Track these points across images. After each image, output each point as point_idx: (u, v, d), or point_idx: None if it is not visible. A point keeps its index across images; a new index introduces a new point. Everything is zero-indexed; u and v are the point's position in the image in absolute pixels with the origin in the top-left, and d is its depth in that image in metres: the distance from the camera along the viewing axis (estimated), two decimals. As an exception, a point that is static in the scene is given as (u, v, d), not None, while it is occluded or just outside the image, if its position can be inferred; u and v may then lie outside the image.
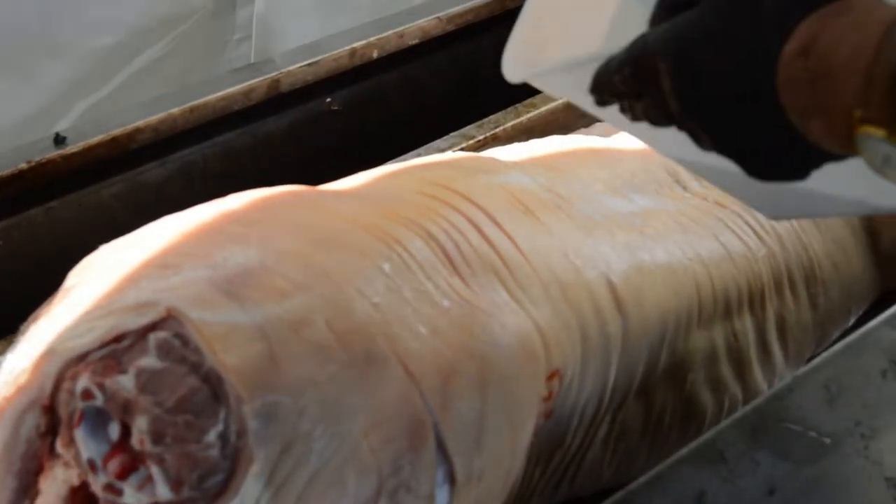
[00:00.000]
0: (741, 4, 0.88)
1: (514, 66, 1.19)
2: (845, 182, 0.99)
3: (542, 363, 1.25)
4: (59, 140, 1.75)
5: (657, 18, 0.95)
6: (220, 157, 1.98)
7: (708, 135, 0.93)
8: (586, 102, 1.10)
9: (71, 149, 1.74)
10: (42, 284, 1.52)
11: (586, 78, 1.06)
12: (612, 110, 1.08)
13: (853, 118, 0.81)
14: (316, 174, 1.76)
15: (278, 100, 2.00)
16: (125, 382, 1.04)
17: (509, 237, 1.32)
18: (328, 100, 2.09)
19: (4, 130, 2.14)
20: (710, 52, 0.89)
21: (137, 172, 1.88)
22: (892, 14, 0.80)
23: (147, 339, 1.06)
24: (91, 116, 2.16)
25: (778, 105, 0.86)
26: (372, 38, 2.08)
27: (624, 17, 1.11)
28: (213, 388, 1.04)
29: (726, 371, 1.55)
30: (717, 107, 0.90)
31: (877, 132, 0.80)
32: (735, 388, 1.57)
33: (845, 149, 0.84)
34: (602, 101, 1.04)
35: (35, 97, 2.20)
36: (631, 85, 0.97)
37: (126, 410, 1.04)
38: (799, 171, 0.92)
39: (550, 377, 1.27)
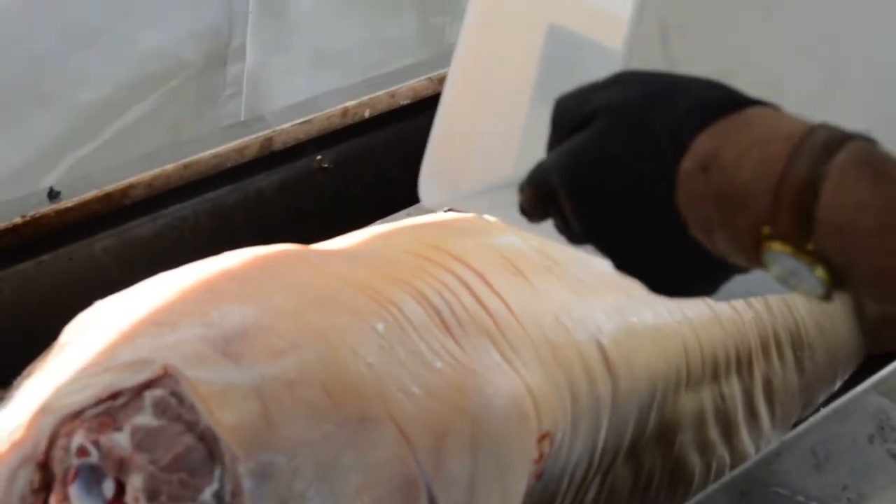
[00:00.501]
0: (633, 124, 0.86)
1: (431, 192, 1.19)
2: None
3: (533, 425, 1.25)
4: (52, 195, 1.75)
5: (553, 142, 0.93)
6: (210, 212, 1.98)
7: (610, 255, 0.91)
8: (511, 220, 1.06)
9: (65, 203, 1.75)
10: (33, 338, 1.52)
11: (505, 198, 1.04)
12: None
13: (761, 234, 0.80)
14: (307, 231, 1.78)
15: (270, 157, 2.01)
16: (121, 440, 1.05)
17: (501, 299, 1.33)
18: (319, 157, 2.10)
19: (-5, 184, 2.15)
20: (605, 174, 0.87)
21: (128, 227, 1.88)
22: (799, 129, 0.80)
23: (143, 397, 1.06)
24: (81, 170, 2.16)
25: (679, 223, 0.85)
26: (364, 98, 2.10)
27: (532, 138, 1.14)
28: (209, 446, 1.04)
29: (714, 434, 1.56)
30: (618, 228, 0.88)
31: (784, 248, 0.79)
32: (723, 451, 1.57)
33: (752, 263, 0.83)
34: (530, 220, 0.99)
35: (23, 149, 2.20)
36: (535, 207, 0.95)
37: (121, 468, 1.04)
38: (706, 286, 0.91)
39: (541, 439, 1.27)
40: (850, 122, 0.88)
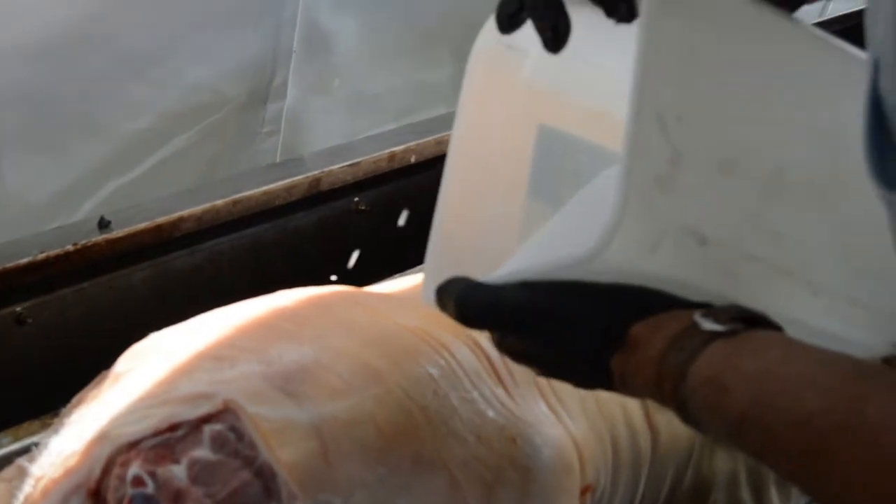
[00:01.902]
0: (566, 332, 1.00)
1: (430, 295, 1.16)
2: None
3: (577, 476, 1.27)
4: (103, 224, 1.77)
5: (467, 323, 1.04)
6: (248, 248, 2.00)
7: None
8: None
9: (116, 233, 1.76)
10: (69, 364, 1.54)
11: None
12: None
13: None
14: (342, 272, 1.79)
15: (310, 197, 2.03)
16: (177, 472, 1.06)
17: (550, 350, 1.34)
18: (356, 199, 2.12)
19: (38, 207, 2.16)
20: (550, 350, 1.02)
21: (168, 259, 1.90)
22: (657, 352, 0.94)
23: (201, 431, 1.08)
24: (121, 198, 2.18)
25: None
26: (411, 143, 2.12)
27: (527, 240, 1.17)
28: (266, 482, 1.05)
29: (745, 494, 1.57)
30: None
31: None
32: (753, 511, 1.58)
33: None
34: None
35: (67, 175, 2.21)
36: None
37: (176, 499, 1.05)
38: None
39: (584, 491, 1.29)
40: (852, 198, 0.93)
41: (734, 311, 0.95)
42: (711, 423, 0.92)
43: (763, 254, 1.07)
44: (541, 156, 1.25)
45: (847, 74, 1.08)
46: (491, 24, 1.17)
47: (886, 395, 0.82)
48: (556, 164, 1.25)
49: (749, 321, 0.94)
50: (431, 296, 1.08)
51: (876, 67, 0.77)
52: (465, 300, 1.02)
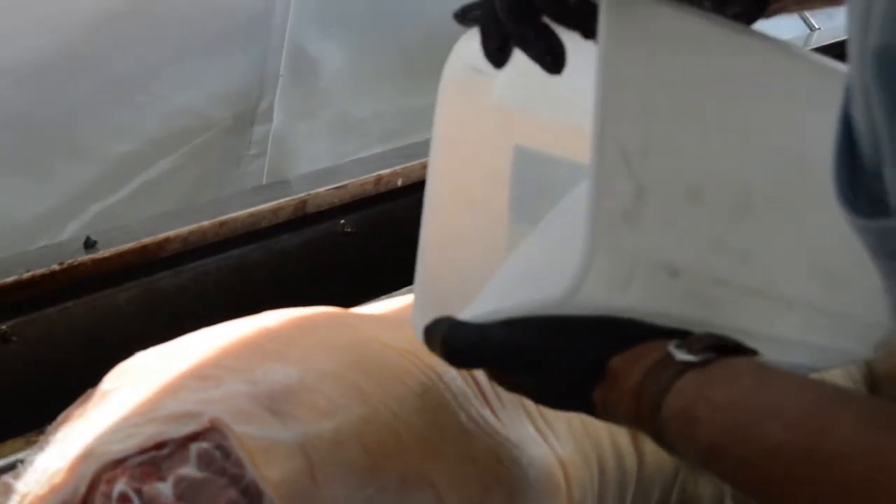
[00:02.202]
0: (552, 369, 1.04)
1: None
2: None
3: (563, 497, 1.27)
4: (89, 244, 1.77)
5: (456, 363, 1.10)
6: (233, 269, 2.00)
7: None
8: None
9: (102, 253, 1.77)
10: (53, 383, 1.54)
11: None
12: None
13: None
14: (328, 293, 1.79)
15: (297, 219, 2.03)
16: (164, 490, 1.06)
17: (536, 371, 1.34)
18: (342, 221, 2.12)
19: (23, 227, 2.16)
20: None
21: (153, 279, 1.90)
22: (635, 383, 0.98)
23: (188, 449, 1.08)
24: (106, 220, 2.18)
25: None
26: (397, 167, 2.13)
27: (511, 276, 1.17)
28: (252, 501, 1.05)
29: (731, 515, 1.57)
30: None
31: None
32: (737, 533, 1.59)
33: None
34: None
35: (52, 196, 2.22)
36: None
37: (162, 517, 1.05)
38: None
39: (569, 512, 1.29)
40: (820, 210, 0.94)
41: (707, 339, 0.98)
42: (686, 452, 0.96)
43: (733, 276, 1.07)
44: (519, 176, 1.26)
45: (815, 85, 1.09)
46: (458, 49, 1.18)
47: (847, 425, 0.85)
48: (535, 184, 1.25)
49: (722, 349, 0.97)
50: (420, 331, 1.10)
51: (848, 94, 0.78)
52: (450, 341, 1.05)
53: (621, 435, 1.39)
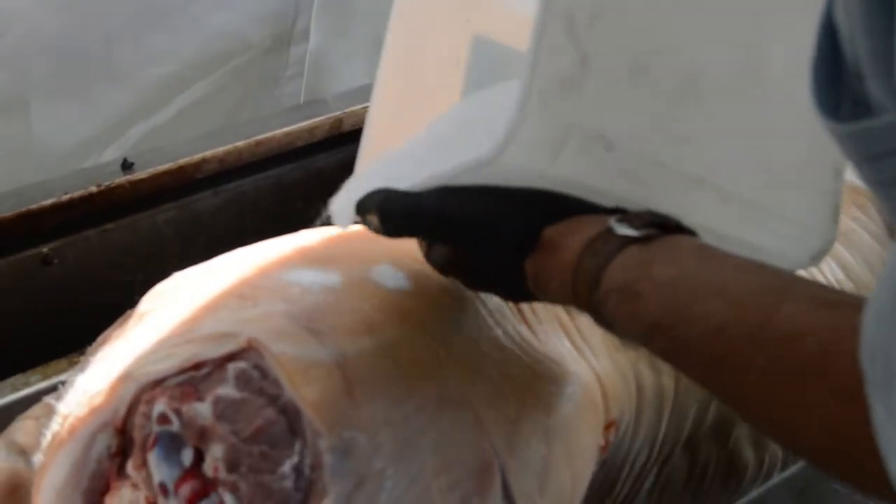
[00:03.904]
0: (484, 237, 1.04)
1: (345, 213, 1.18)
2: None
3: (601, 413, 1.27)
4: (126, 165, 1.78)
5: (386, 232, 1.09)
6: (271, 189, 2.00)
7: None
8: None
9: (139, 175, 1.77)
10: (95, 304, 1.55)
11: None
12: None
13: None
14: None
15: (333, 138, 2.03)
16: (202, 410, 1.06)
17: (573, 287, 1.34)
18: (376, 139, 2.11)
19: (64, 152, 2.18)
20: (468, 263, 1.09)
21: (191, 201, 1.91)
22: (573, 255, 0.97)
23: (226, 369, 1.08)
24: (146, 144, 2.19)
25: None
26: (433, 84, 2.12)
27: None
28: (290, 420, 1.06)
29: (769, 430, 1.57)
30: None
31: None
32: (776, 447, 1.58)
33: None
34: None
35: (93, 121, 2.23)
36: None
37: (201, 437, 1.06)
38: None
39: (607, 427, 1.29)
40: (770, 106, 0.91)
41: (648, 216, 0.97)
42: (625, 330, 0.95)
43: (671, 159, 1.07)
44: (475, 67, 1.24)
45: None
46: None
47: (794, 305, 0.84)
48: (490, 75, 1.23)
49: (664, 227, 0.96)
50: (348, 215, 1.11)
51: None
52: (385, 210, 1.06)
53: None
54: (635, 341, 0.95)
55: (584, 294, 0.96)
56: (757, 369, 0.84)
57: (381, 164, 1.22)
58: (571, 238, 0.98)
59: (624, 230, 0.95)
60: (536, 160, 1.01)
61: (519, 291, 1.05)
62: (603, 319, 0.96)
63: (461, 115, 1.21)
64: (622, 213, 0.98)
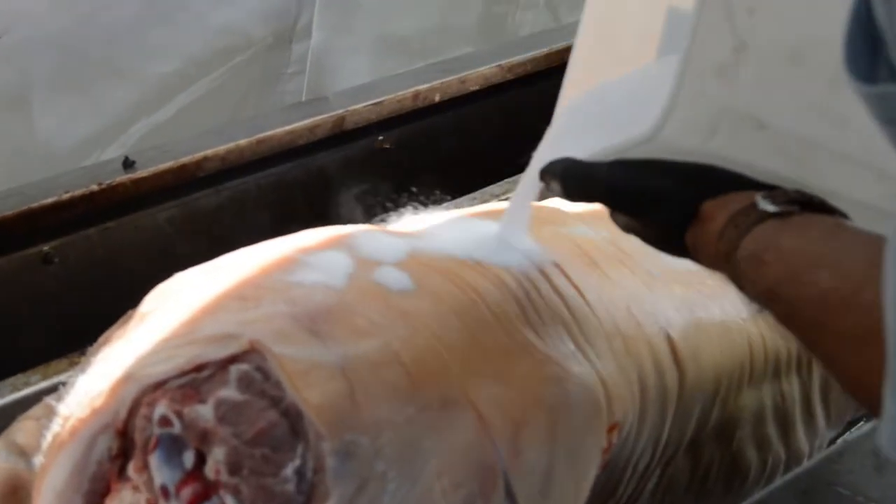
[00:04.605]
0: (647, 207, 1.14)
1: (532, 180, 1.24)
2: None
3: (604, 415, 1.26)
4: (128, 164, 1.78)
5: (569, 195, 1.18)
6: (272, 187, 2.00)
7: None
8: None
9: (140, 173, 1.77)
10: (97, 303, 1.55)
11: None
12: None
13: None
14: (366, 210, 1.79)
15: (334, 136, 2.03)
16: (204, 412, 1.06)
17: (577, 289, 1.34)
18: (380, 138, 2.11)
19: (67, 150, 2.17)
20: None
21: (193, 198, 1.91)
22: (719, 226, 1.06)
23: (228, 371, 1.07)
24: (148, 141, 2.19)
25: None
26: (435, 83, 2.11)
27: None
28: (292, 423, 1.05)
29: (772, 430, 1.57)
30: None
31: None
32: (779, 448, 1.58)
33: None
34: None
35: (95, 119, 2.22)
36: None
37: (203, 440, 1.05)
38: None
39: (611, 429, 1.28)
40: None
41: (793, 194, 1.04)
42: (750, 293, 1.04)
43: (826, 140, 1.11)
44: (669, 39, 1.25)
45: None
46: None
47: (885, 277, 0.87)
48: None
49: (807, 205, 1.03)
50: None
51: None
52: (565, 178, 1.16)
53: (662, 352, 1.39)
54: (760, 304, 1.04)
55: (724, 260, 1.05)
56: (849, 337, 0.91)
57: (562, 129, 1.29)
58: (721, 211, 1.06)
59: (766, 206, 1.03)
60: (692, 139, 1.08)
61: (685, 254, 1.14)
62: (737, 283, 1.05)
63: (629, 83, 1.25)
64: (770, 190, 1.05)
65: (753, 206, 1.04)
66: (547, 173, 1.17)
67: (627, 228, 1.19)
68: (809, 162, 1.12)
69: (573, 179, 1.16)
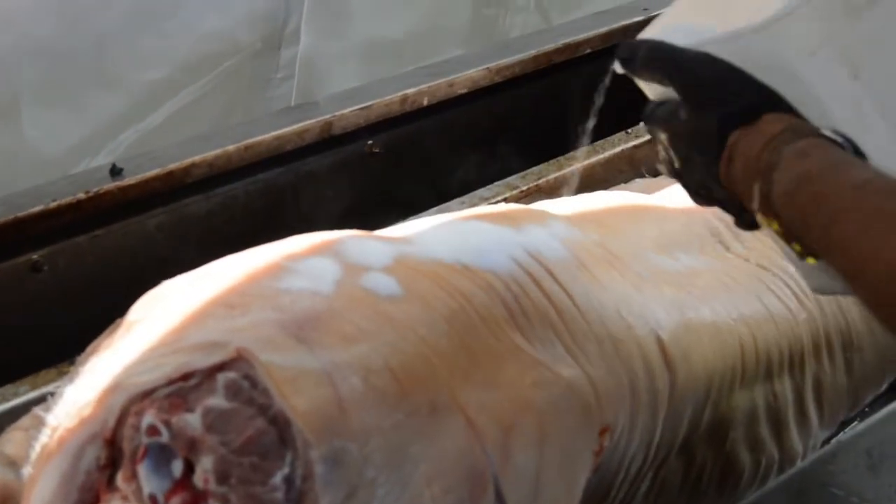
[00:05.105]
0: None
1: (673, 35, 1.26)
2: None
3: (595, 419, 1.26)
4: (115, 171, 1.77)
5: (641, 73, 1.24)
6: (262, 193, 2.00)
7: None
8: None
9: (128, 180, 1.77)
10: (86, 312, 1.54)
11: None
12: None
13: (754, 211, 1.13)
14: (356, 215, 1.79)
15: (323, 141, 2.02)
16: (192, 421, 1.05)
17: (566, 292, 1.33)
18: (370, 142, 2.11)
19: (55, 158, 2.17)
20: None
21: (182, 205, 1.90)
22: (777, 131, 1.11)
23: (215, 379, 1.07)
24: (137, 147, 2.19)
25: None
26: (423, 86, 2.11)
27: None
28: (280, 431, 1.05)
29: (765, 431, 1.57)
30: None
31: (772, 224, 1.11)
32: (772, 449, 1.58)
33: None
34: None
35: (84, 126, 2.23)
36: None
37: (191, 449, 1.05)
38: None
39: (602, 432, 1.28)
40: None
41: (834, 134, 1.10)
42: (779, 187, 1.08)
43: None
44: None
45: None
46: None
47: None
48: None
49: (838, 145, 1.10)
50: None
51: None
52: (651, 48, 1.22)
53: (653, 355, 1.39)
54: (784, 200, 1.08)
55: (760, 170, 1.09)
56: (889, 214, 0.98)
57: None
58: (779, 123, 1.11)
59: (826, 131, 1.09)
60: (791, 51, 1.15)
61: (711, 161, 1.16)
62: (764, 195, 1.09)
63: None
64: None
65: (816, 129, 1.10)
66: (634, 45, 1.23)
67: (660, 126, 1.22)
68: (877, 129, 1.16)
69: (657, 51, 1.20)
